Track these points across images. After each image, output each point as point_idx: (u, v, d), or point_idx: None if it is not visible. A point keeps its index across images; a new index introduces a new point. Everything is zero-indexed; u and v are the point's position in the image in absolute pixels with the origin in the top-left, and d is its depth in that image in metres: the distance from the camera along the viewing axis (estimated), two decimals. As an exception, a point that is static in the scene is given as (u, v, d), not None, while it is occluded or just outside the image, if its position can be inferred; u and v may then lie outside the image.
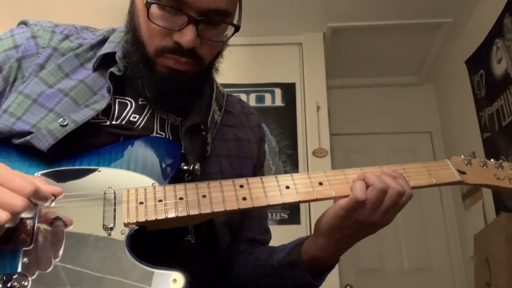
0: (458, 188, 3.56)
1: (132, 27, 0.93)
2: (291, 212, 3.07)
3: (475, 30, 3.22)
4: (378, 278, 3.64)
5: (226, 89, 1.18)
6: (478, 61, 3.18)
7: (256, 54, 3.44)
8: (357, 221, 0.85)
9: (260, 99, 3.37)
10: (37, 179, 0.76)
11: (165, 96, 0.94)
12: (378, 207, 0.84)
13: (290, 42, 3.51)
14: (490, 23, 2.97)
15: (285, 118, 3.32)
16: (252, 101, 3.33)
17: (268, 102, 3.37)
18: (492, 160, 1.00)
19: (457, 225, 3.65)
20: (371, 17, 3.32)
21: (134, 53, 0.92)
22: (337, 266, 3.37)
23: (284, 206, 3.05)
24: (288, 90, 3.40)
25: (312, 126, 3.27)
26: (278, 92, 3.39)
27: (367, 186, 0.85)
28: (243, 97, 3.29)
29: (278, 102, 3.37)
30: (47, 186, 0.76)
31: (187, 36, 0.87)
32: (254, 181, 0.87)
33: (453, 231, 3.68)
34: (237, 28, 0.92)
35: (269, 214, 3.08)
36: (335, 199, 0.87)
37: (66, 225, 0.76)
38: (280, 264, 0.95)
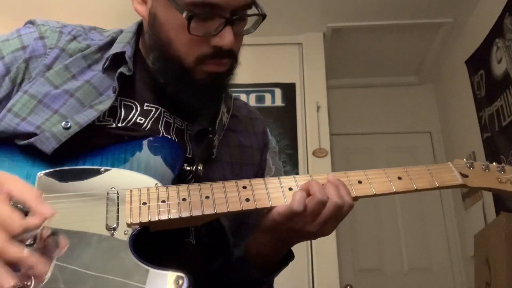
0: (458, 188, 3.55)
1: (160, 44, 0.92)
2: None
3: (475, 30, 3.22)
4: (378, 278, 3.64)
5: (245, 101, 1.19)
6: (478, 61, 3.18)
7: (256, 54, 3.44)
8: (293, 229, 0.85)
9: (260, 99, 3.36)
10: (31, 195, 0.71)
11: (210, 100, 0.95)
12: (315, 217, 0.84)
13: (290, 42, 3.51)
14: (490, 23, 2.97)
15: (285, 118, 3.32)
16: (252, 101, 3.33)
17: (268, 102, 3.36)
18: (494, 163, 1.00)
19: (457, 225, 3.65)
20: (371, 17, 3.32)
21: (169, 69, 0.92)
22: (337, 266, 3.32)
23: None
24: (288, 90, 3.39)
25: (312, 126, 3.27)
26: (278, 92, 3.39)
27: (309, 195, 0.84)
28: (243, 97, 3.29)
29: (278, 102, 3.36)
30: (40, 209, 0.70)
31: (226, 38, 0.87)
32: (257, 182, 0.87)
33: (453, 231, 3.67)
34: (264, 17, 0.94)
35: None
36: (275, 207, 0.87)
37: (58, 245, 0.73)
38: (235, 259, 0.96)
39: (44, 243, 0.72)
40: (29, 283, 0.69)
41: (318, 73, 3.41)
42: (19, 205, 0.72)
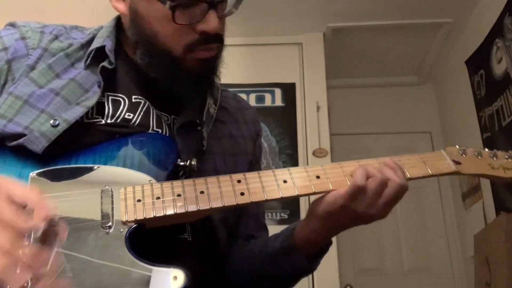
0: (458, 188, 3.56)
1: (146, 38, 0.92)
2: (291, 212, 3.07)
3: (475, 30, 3.22)
4: (378, 278, 3.64)
5: (233, 92, 1.19)
6: (478, 61, 3.17)
7: (256, 54, 3.44)
8: (355, 212, 0.84)
9: (260, 99, 3.36)
10: (32, 196, 0.72)
11: (204, 87, 0.96)
12: (377, 199, 0.84)
13: (290, 42, 3.51)
14: (490, 23, 2.97)
15: (285, 118, 3.32)
16: (252, 101, 3.33)
17: (268, 102, 3.36)
18: (486, 149, 1.00)
19: (457, 225, 3.64)
20: (371, 17, 3.32)
21: (159, 62, 0.92)
22: (337, 266, 3.32)
23: (284, 207, 3.06)
24: (288, 90, 3.39)
25: (312, 126, 3.27)
26: (278, 92, 3.39)
27: (368, 177, 0.84)
28: (243, 97, 3.28)
29: (278, 102, 3.36)
30: (42, 207, 0.72)
31: (212, 22, 0.88)
32: (252, 176, 0.87)
33: (453, 231, 3.67)
34: None
35: (269, 214, 3.08)
36: (334, 190, 0.87)
37: (58, 235, 0.74)
38: (275, 251, 0.95)
39: (45, 232, 0.73)
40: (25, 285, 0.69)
41: (318, 73, 3.41)
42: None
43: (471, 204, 3.33)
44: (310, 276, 2.91)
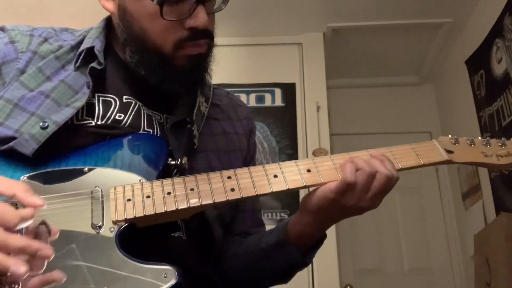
0: (458, 188, 3.56)
1: (135, 36, 0.92)
2: (291, 212, 3.07)
3: (475, 30, 3.22)
4: (378, 278, 3.64)
5: (226, 89, 1.18)
6: (478, 61, 3.18)
7: (256, 54, 3.44)
8: (345, 206, 0.85)
9: (260, 99, 3.37)
10: (19, 188, 0.72)
11: (195, 84, 0.95)
12: (366, 191, 0.84)
13: (290, 42, 3.51)
14: (490, 23, 2.97)
15: (285, 118, 3.32)
16: (252, 101, 3.33)
17: (268, 102, 3.36)
18: (479, 138, 1.00)
19: (457, 225, 3.65)
20: (371, 17, 3.32)
21: (148, 59, 0.92)
22: (337, 266, 3.31)
23: (283, 207, 3.06)
24: (288, 90, 3.39)
25: (312, 126, 3.27)
26: (278, 92, 3.39)
27: (357, 170, 0.84)
28: (243, 97, 3.29)
29: (278, 102, 3.37)
30: (30, 200, 0.71)
31: (201, 18, 0.88)
32: (242, 171, 0.87)
33: (453, 231, 3.67)
34: None
35: (269, 214, 3.09)
36: (324, 185, 0.86)
37: (50, 232, 0.72)
38: (269, 246, 0.95)
39: (37, 230, 0.72)
40: (16, 286, 0.68)
41: (318, 73, 3.41)
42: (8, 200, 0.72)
43: (471, 204, 3.33)
44: (310, 276, 2.91)
